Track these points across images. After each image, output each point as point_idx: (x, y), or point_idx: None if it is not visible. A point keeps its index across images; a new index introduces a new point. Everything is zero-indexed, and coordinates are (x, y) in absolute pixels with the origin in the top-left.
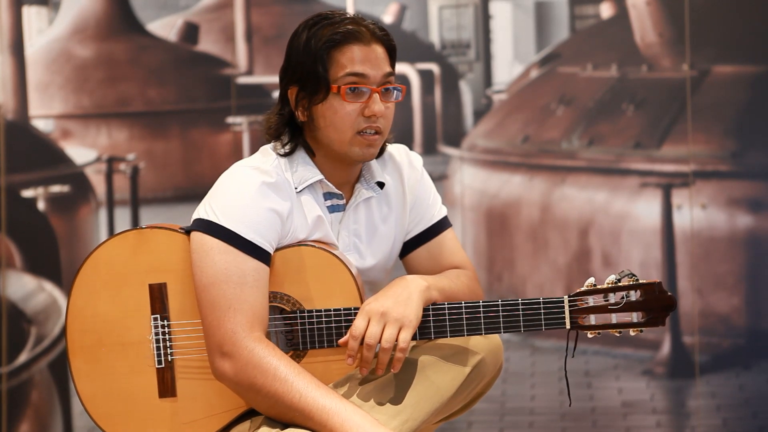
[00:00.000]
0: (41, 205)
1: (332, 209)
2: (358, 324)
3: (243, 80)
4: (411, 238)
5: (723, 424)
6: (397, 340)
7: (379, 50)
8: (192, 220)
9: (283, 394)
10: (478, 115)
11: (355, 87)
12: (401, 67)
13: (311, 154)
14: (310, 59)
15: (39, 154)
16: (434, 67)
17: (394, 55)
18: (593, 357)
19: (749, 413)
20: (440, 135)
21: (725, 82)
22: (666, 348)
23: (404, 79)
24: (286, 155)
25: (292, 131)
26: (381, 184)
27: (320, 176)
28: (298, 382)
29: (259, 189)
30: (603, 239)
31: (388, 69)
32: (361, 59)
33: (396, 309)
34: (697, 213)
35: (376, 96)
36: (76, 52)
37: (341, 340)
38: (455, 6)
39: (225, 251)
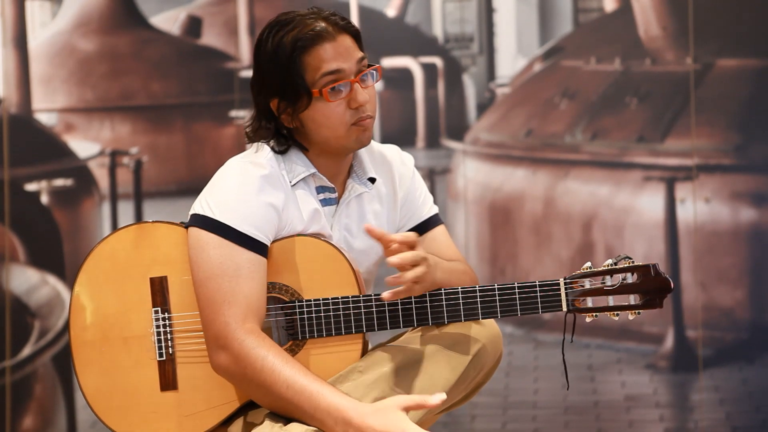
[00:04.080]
0: (44, 199)
1: (324, 203)
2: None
3: (246, 74)
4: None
5: (726, 417)
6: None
7: (346, 41)
8: (189, 215)
9: (270, 385)
10: (482, 108)
11: (335, 85)
12: (405, 61)
13: (304, 150)
14: (283, 70)
15: (42, 148)
16: (437, 61)
17: (359, 39)
18: (596, 351)
19: (752, 407)
20: (443, 128)
21: (729, 76)
22: (669, 342)
23: (407, 72)
24: (281, 152)
25: (282, 136)
26: (373, 180)
27: (313, 170)
28: (285, 372)
29: (253, 182)
30: (606, 233)
31: (359, 54)
32: (332, 56)
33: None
34: (700, 207)
35: (357, 86)
36: (79, 45)
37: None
38: None
39: (220, 245)
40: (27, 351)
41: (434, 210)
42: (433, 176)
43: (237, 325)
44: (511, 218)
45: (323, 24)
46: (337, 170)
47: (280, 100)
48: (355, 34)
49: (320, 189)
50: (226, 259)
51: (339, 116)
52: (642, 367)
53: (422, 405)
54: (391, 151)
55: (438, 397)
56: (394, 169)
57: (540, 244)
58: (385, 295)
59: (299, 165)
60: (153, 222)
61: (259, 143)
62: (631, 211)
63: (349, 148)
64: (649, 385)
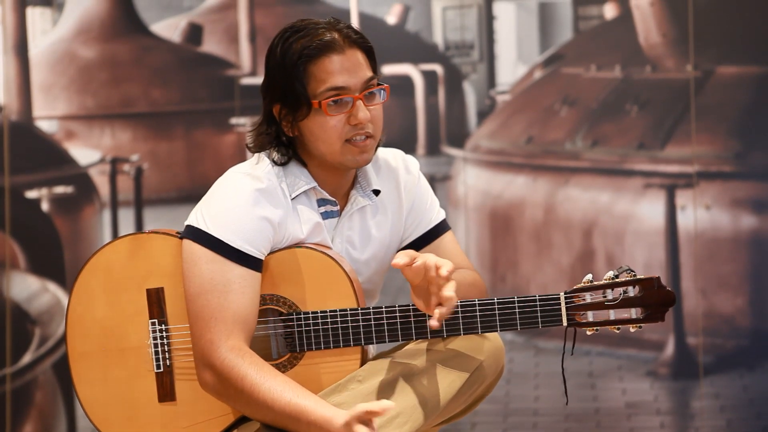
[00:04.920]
0: (45, 206)
1: (326, 215)
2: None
3: (246, 81)
4: (410, 242)
5: (727, 424)
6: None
7: (356, 56)
8: (185, 225)
9: (254, 404)
10: (482, 115)
11: (337, 99)
12: (405, 68)
13: (303, 163)
14: (288, 76)
15: (43, 155)
16: (438, 68)
17: (372, 56)
18: (597, 358)
19: (753, 414)
20: (444, 136)
21: (729, 83)
22: (670, 349)
23: (407, 80)
24: (281, 164)
25: (283, 145)
26: (377, 192)
27: (313, 184)
28: (263, 391)
29: (250, 196)
30: (607, 240)
31: (368, 74)
32: (338, 70)
33: None
34: (700, 214)
35: (360, 103)
36: (79, 53)
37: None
38: (459, 7)
39: (212, 260)
40: (27, 358)
41: (442, 215)
42: (433, 183)
43: (221, 343)
44: (511, 225)
45: (335, 35)
46: (338, 184)
47: (281, 106)
48: (368, 51)
49: (321, 202)
50: (217, 275)
51: (335, 131)
52: (643, 374)
53: (371, 413)
54: (395, 157)
55: (381, 405)
56: (399, 178)
57: (540, 251)
58: (433, 323)
59: (299, 178)
60: (148, 232)
61: (260, 154)
62: (632, 218)
63: (345, 165)
64: (649, 392)
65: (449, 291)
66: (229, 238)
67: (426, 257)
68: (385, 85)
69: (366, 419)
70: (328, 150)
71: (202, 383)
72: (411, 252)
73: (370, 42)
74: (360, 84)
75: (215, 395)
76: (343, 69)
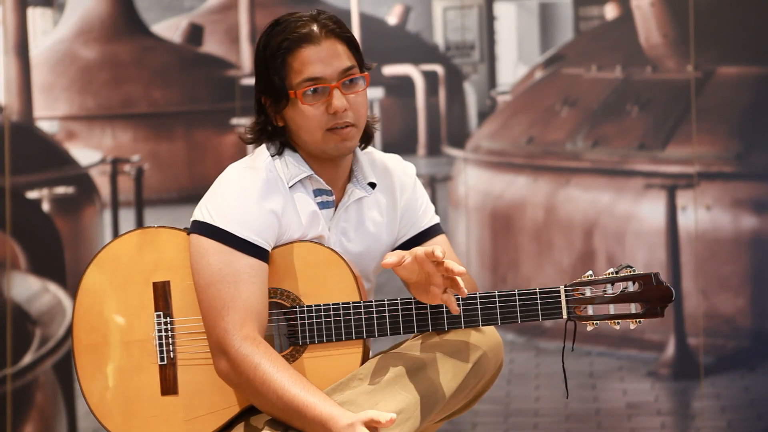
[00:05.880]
0: (46, 207)
1: (322, 206)
2: None
3: (247, 81)
4: (402, 242)
5: (728, 425)
6: None
7: (333, 46)
8: (190, 222)
9: (263, 394)
10: (483, 116)
11: (314, 89)
12: (406, 68)
13: (297, 152)
14: (268, 68)
15: (44, 156)
16: (438, 69)
17: (353, 45)
18: (598, 358)
19: (754, 414)
20: (444, 136)
21: (730, 84)
22: (670, 349)
23: (408, 80)
24: (277, 155)
25: (274, 135)
26: (373, 185)
27: (310, 172)
28: (275, 382)
29: (253, 187)
30: (607, 240)
31: (346, 63)
32: (314, 60)
33: None
34: (701, 214)
35: (336, 92)
36: (80, 53)
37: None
38: (459, 7)
39: (220, 251)
40: (28, 359)
41: (435, 219)
42: (434, 184)
43: (235, 332)
44: (512, 226)
45: (314, 27)
46: (334, 175)
47: (266, 97)
48: (348, 40)
49: (318, 192)
50: (226, 266)
51: (315, 120)
52: (643, 375)
53: (375, 422)
54: (393, 160)
55: (387, 416)
56: (395, 178)
57: (541, 251)
58: (454, 308)
59: (296, 166)
60: (156, 227)
61: (260, 148)
62: (632, 218)
63: (329, 154)
64: (650, 392)
65: (456, 266)
66: (236, 229)
67: (414, 251)
68: (365, 72)
69: (371, 425)
70: (311, 139)
71: (219, 371)
72: (399, 252)
73: (350, 32)
74: (336, 73)
75: (229, 383)
76: (318, 59)
